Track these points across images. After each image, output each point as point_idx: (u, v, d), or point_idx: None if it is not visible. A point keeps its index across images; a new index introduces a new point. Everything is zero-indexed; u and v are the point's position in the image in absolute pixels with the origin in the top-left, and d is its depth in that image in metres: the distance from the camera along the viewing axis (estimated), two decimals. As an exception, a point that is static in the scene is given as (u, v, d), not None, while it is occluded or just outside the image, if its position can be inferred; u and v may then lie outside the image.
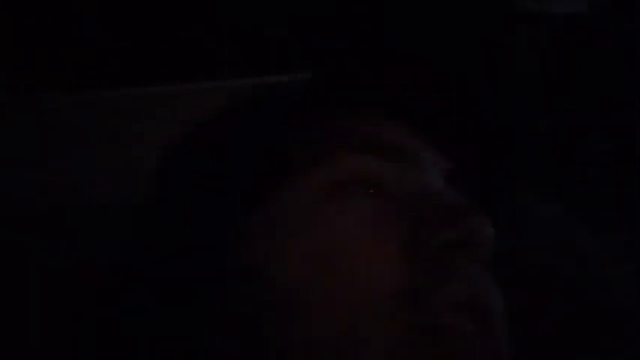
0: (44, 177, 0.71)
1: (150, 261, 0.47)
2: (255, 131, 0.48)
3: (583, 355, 0.60)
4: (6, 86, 0.83)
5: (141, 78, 0.90)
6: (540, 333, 0.55)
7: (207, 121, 0.50)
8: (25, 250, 0.64)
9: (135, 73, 0.94)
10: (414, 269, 0.42)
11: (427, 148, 0.48)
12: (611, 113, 1.06)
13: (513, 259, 0.46)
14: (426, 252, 0.42)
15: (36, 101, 0.77)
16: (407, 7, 1.06)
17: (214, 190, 0.47)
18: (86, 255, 0.61)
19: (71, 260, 0.62)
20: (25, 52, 0.91)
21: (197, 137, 0.50)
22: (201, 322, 0.45)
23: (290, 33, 0.99)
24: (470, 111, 0.52)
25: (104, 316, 0.49)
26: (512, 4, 1.08)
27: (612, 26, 1.08)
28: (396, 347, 0.40)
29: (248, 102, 0.51)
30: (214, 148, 0.49)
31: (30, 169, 0.72)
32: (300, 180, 0.45)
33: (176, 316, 0.45)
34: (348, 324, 0.41)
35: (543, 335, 0.56)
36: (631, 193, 1.00)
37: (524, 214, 0.61)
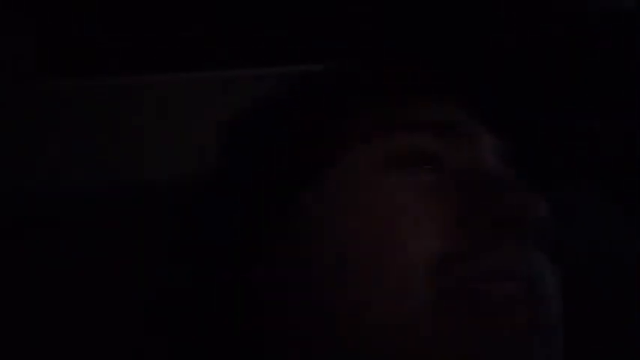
0: (45, 169, 0.72)
1: (205, 239, 0.50)
2: (310, 111, 0.50)
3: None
4: (8, 76, 0.83)
5: (143, 67, 0.90)
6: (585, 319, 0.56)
7: (263, 103, 0.53)
8: (25, 250, 0.64)
9: (138, 61, 0.93)
10: (461, 241, 0.44)
11: (483, 128, 0.49)
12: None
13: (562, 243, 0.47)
14: (475, 226, 0.44)
15: (40, 89, 0.77)
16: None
17: (270, 166, 0.49)
18: (86, 254, 0.62)
19: (71, 260, 0.63)
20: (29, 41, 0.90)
21: (254, 115, 0.53)
22: (256, 291, 0.47)
23: (290, 32, 0.99)
24: (530, 98, 0.52)
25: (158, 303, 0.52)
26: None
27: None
28: (432, 309, 0.42)
29: (295, 87, 0.53)
30: (270, 127, 0.51)
31: (30, 161, 0.72)
32: (357, 154, 0.47)
33: (230, 286, 0.48)
34: (393, 287, 0.43)
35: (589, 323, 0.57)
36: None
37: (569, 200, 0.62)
